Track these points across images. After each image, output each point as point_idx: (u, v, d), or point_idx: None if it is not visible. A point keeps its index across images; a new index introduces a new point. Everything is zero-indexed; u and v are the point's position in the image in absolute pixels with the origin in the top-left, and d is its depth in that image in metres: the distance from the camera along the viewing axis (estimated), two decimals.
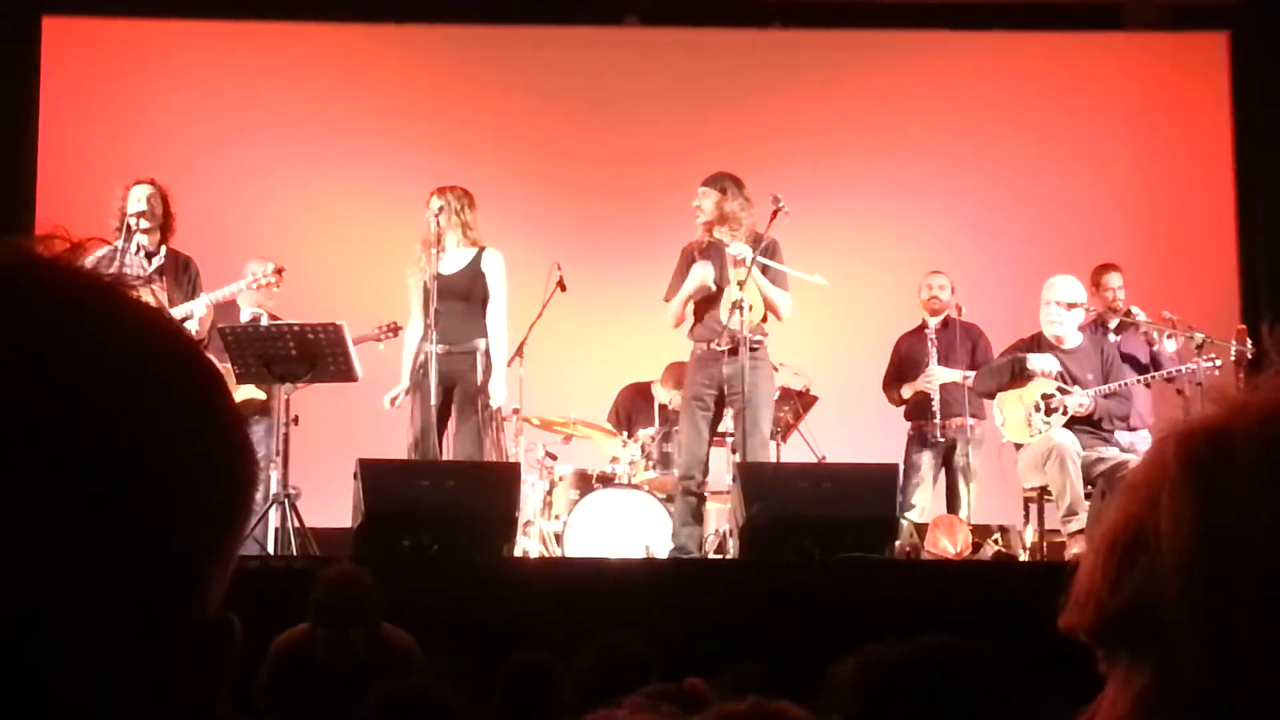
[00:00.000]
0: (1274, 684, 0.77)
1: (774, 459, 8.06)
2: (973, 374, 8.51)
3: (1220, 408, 0.83)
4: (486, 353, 7.72)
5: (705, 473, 7.77)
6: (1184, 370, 8.05)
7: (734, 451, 7.83)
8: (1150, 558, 0.80)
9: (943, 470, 8.68)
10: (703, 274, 7.70)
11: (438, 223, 7.77)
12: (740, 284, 7.53)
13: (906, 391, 8.74)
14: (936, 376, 8.60)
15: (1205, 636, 0.78)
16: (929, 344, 8.71)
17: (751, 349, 7.58)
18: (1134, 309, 8.57)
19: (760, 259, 7.66)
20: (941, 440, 8.58)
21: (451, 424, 7.70)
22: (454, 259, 7.81)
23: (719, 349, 7.61)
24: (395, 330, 8.04)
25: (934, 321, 8.85)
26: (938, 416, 8.53)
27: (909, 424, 8.80)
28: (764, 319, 7.75)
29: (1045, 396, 7.97)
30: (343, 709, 4.49)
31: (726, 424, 7.92)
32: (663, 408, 8.92)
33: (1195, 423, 0.83)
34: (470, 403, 7.65)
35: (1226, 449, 0.80)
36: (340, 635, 5.03)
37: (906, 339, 8.95)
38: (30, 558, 0.66)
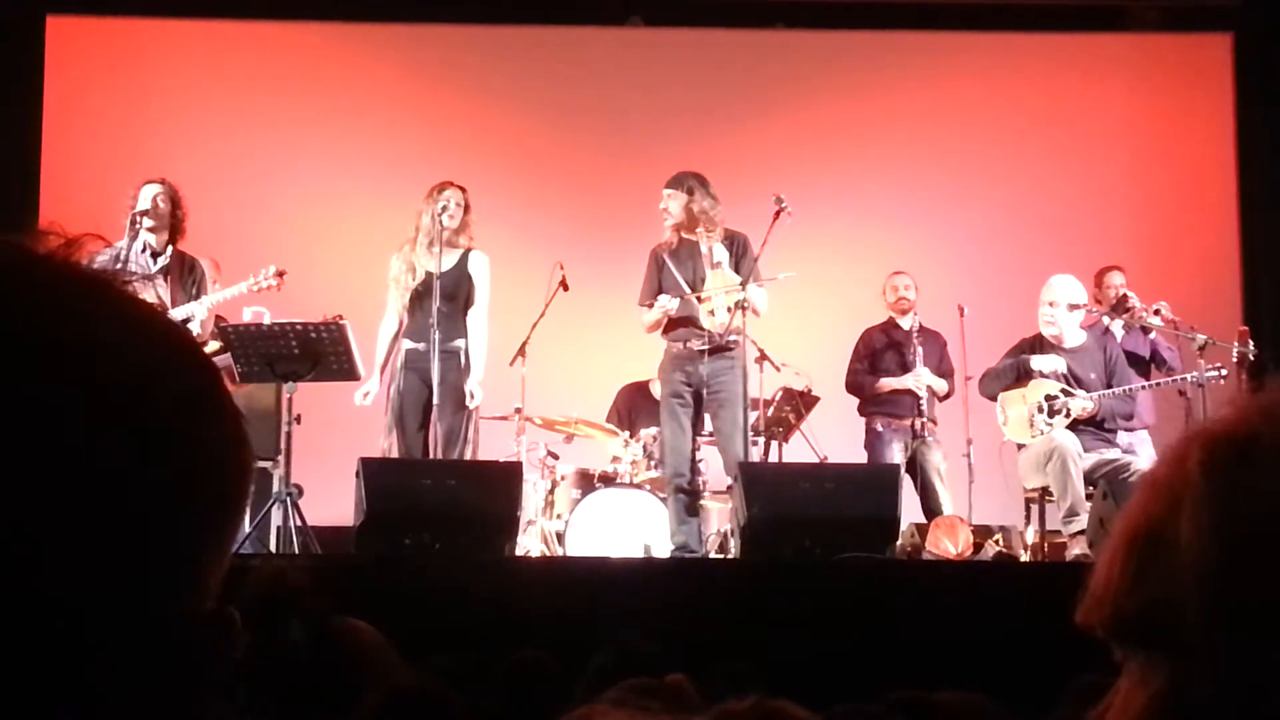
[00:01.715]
0: None
1: (764, 456, 8.06)
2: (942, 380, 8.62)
3: (1244, 411, 0.82)
4: (467, 352, 7.72)
5: (694, 469, 7.78)
6: (1189, 379, 8.06)
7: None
8: (1170, 559, 0.79)
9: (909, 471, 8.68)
10: (665, 304, 7.70)
11: (455, 217, 7.74)
12: (697, 295, 7.54)
13: (891, 384, 8.74)
14: (924, 378, 8.64)
15: (1224, 642, 0.78)
16: (914, 343, 8.73)
17: (726, 349, 7.60)
18: (1129, 293, 8.62)
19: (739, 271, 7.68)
20: (913, 441, 8.60)
21: (434, 422, 7.71)
22: (444, 258, 7.80)
23: (695, 349, 7.63)
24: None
25: (907, 322, 8.88)
26: (924, 416, 8.58)
27: (866, 420, 8.79)
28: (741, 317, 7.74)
29: (1049, 397, 7.97)
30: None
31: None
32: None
33: (1219, 426, 0.82)
34: (452, 402, 7.66)
35: (1251, 456, 0.79)
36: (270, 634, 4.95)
37: (877, 333, 8.95)
38: (36, 551, 0.67)
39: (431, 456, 7.61)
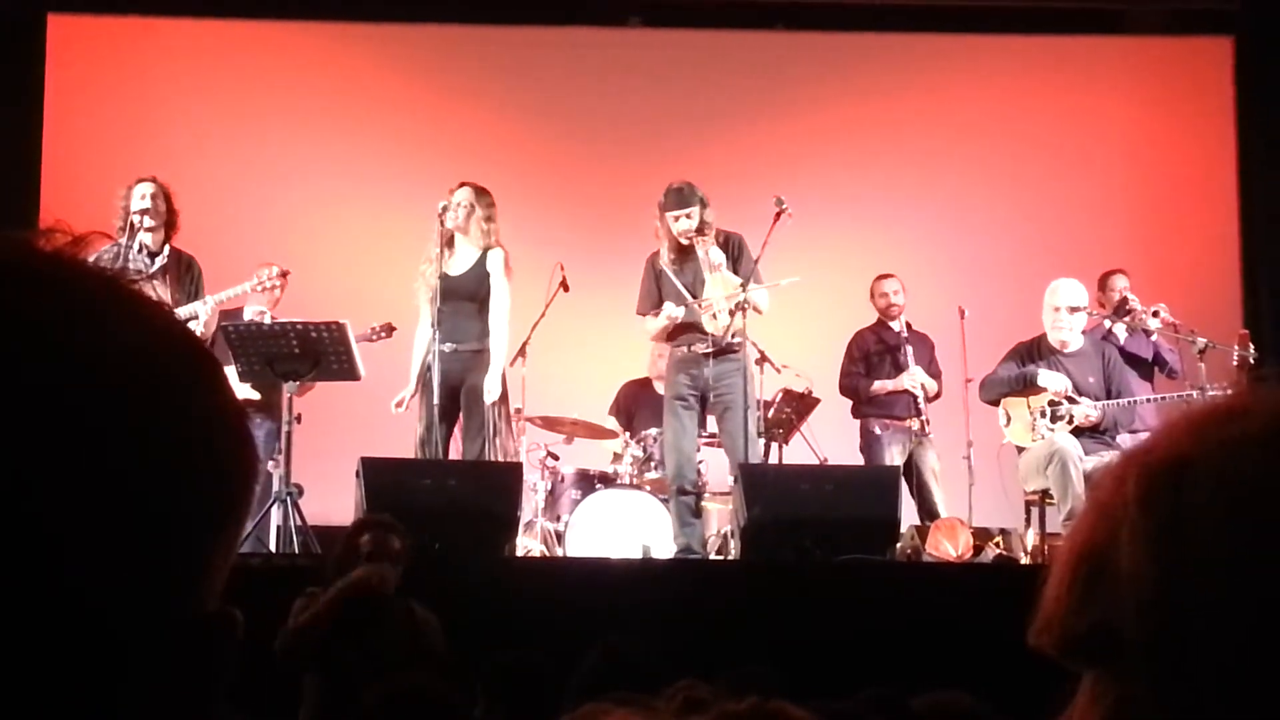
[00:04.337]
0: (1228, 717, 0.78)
1: (764, 457, 8.06)
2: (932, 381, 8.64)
3: (1177, 434, 0.82)
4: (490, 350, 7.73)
5: (697, 470, 7.78)
6: (1194, 394, 8.02)
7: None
8: (1111, 586, 0.81)
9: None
10: (672, 313, 7.71)
11: (457, 216, 7.74)
12: (699, 300, 7.55)
13: (889, 385, 8.74)
14: (918, 377, 8.64)
15: (1161, 666, 0.79)
16: (904, 344, 8.74)
17: (730, 351, 7.60)
18: (1130, 296, 8.64)
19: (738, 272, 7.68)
20: (911, 441, 8.60)
21: (460, 422, 7.71)
22: (462, 259, 7.80)
23: (700, 352, 7.63)
24: (390, 331, 8.00)
25: (897, 325, 8.87)
26: (922, 416, 8.58)
27: (862, 423, 8.80)
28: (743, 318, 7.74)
29: (1053, 403, 7.98)
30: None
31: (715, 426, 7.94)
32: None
33: (1157, 454, 0.82)
34: (477, 401, 7.65)
35: (1184, 485, 0.80)
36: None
37: (869, 335, 8.94)
38: (41, 551, 0.67)
39: (455, 457, 7.61)
